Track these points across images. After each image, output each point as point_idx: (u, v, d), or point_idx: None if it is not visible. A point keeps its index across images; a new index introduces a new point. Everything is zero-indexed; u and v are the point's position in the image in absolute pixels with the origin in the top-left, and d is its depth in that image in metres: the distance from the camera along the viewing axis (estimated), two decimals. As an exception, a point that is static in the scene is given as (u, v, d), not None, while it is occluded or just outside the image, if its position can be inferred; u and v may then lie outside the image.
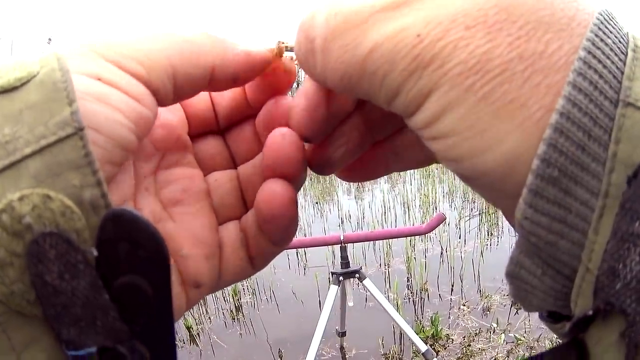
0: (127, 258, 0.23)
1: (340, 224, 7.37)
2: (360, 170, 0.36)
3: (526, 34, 0.22)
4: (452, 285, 4.84)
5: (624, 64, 0.22)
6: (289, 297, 4.94)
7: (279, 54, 0.33)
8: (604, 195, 0.21)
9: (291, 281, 5.32)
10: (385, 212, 7.58)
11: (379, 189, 9.80)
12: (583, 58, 0.21)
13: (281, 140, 0.31)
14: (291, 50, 0.32)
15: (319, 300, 4.72)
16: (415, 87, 0.23)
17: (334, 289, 2.49)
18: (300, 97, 0.31)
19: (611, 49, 0.22)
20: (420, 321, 4.14)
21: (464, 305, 4.40)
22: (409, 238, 5.57)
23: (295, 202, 0.32)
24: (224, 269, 0.33)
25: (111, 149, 0.25)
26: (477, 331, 3.92)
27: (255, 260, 0.34)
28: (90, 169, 0.23)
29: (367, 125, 0.34)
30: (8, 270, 0.21)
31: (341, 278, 2.50)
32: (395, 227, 6.78)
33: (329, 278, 5.21)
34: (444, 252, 5.65)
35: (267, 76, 0.34)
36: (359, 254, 5.65)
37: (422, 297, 4.65)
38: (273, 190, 0.31)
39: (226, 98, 0.35)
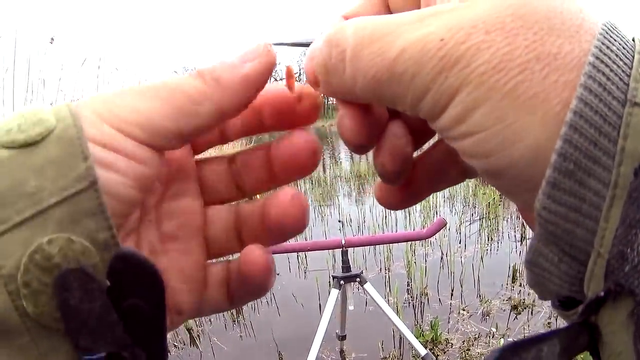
0: (131, 286, 0.28)
1: (341, 228, 7.35)
2: (408, 194, 0.37)
3: (540, 39, 0.24)
4: (452, 290, 4.85)
5: (631, 67, 0.24)
6: (289, 300, 4.95)
7: (289, 76, 0.35)
8: (613, 186, 0.23)
9: (291, 284, 5.32)
10: (385, 217, 7.58)
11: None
12: (592, 62, 0.23)
13: (290, 202, 0.34)
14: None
15: (319, 303, 4.74)
16: (443, 86, 0.25)
17: (334, 292, 2.50)
18: (342, 116, 0.32)
19: (617, 54, 0.24)
20: (420, 325, 4.14)
21: (464, 310, 4.41)
22: (409, 242, 5.58)
23: (271, 267, 0.34)
24: (205, 302, 0.37)
25: (118, 206, 0.29)
26: (477, 336, 3.94)
27: (234, 300, 0.37)
28: (103, 216, 0.27)
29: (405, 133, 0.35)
30: (40, 297, 0.26)
31: (342, 282, 2.51)
32: (396, 231, 6.79)
33: (329, 281, 5.24)
34: (444, 256, 5.66)
35: (289, 105, 0.35)
36: (360, 258, 5.66)
37: (422, 302, 4.66)
38: (254, 257, 0.34)
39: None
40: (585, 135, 0.23)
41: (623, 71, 0.24)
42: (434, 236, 2.69)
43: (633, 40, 0.26)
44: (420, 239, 2.50)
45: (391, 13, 0.33)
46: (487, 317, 4.24)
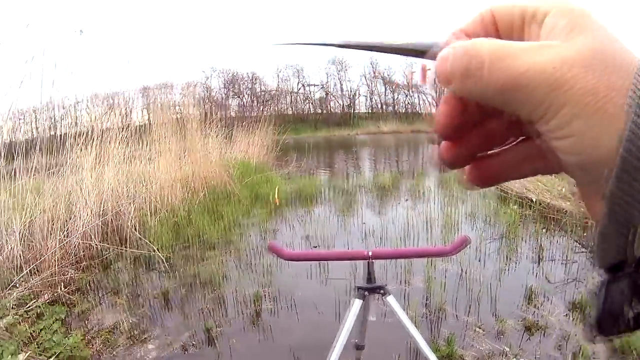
0: None
1: (364, 238, 7.44)
2: (488, 176, 0.47)
3: (613, 74, 0.33)
4: (469, 307, 4.87)
5: None
6: (308, 307, 5.00)
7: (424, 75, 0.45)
8: None
9: (312, 291, 5.38)
10: (407, 229, 7.63)
11: (402, 206, 9.83)
12: (631, 96, 0.32)
13: None
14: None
15: (337, 312, 4.79)
16: (554, 100, 0.34)
17: (358, 302, 2.49)
18: (442, 104, 0.42)
19: None
20: (435, 340, 4.18)
21: (479, 327, 4.44)
22: (429, 257, 5.62)
23: None
24: None
25: None
26: (490, 354, 3.96)
27: None
28: None
29: (487, 134, 0.45)
30: None
31: (366, 293, 2.52)
32: (418, 244, 6.82)
33: (348, 290, 5.30)
34: (463, 273, 5.70)
35: None
36: (380, 270, 5.70)
37: (439, 317, 4.70)
38: None
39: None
40: (637, 145, 0.32)
41: None
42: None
43: None
44: (444, 255, 2.51)
45: (499, 35, 0.42)
46: (502, 336, 4.27)
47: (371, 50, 0.62)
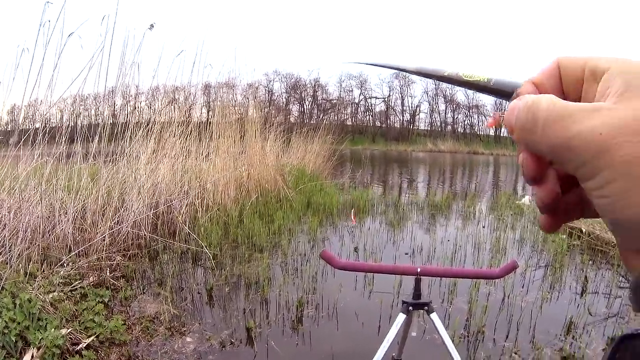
0: None
1: (411, 254, 7.44)
2: (559, 218, 0.50)
3: None
4: (508, 332, 4.84)
5: None
6: (350, 317, 5.03)
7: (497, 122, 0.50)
8: None
9: (355, 302, 5.40)
10: (456, 251, 7.62)
11: (453, 226, 9.80)
12: None
13: None
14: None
15: (379, 325, 4.81)
16: (596, 163, 0.37)
17: (401, 316, 2.54)
18: (524, 158, 0.45)
19: None
20: (472, 359, 4.20)
21: (516, 354, 4.40)
22: (474, 279, 5.62)
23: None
24: None
25: None
26: (526, 380, 3.92)
27: None
28: None
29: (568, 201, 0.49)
30: None
31: (411, 308, 2.55)
32: (464, 265, 6.80)
33: (391, 305, 5.31)
34: (506, 298, 5.65)
35: None
36: (424, 286, 5.69)
37: (477, 339, 4.68)
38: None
39: None
40: None
41: None
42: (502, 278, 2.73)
43: None
44: (491, 278, 2.50)
45: (562, 87, 0.47)
46: (538, 363, 4.22)
47: (443, 80, 0.67)
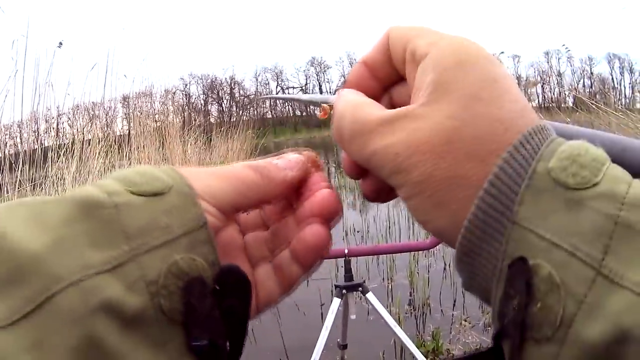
0: (231, 290, 0.38)
1: (345, 237, 7.40)
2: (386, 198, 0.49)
3: (457, 163, 0.35)
4: (454, 301, 4.88)
5: (517, 192, 0.33)
6: (291, 309, 4.96)
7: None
8: (498, 272, 0.34)
9: (293, 293, 5.25)
10: (389, 227, 7.62)
11: (385, 204, 9.86)
12: (485, 188, 0.34)
13: (328, 194, 0.47)
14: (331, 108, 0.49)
15: (321, 312, 4.76)
16: (395, 181, 0.38)
17: (336, 301, 2.49)
18: (344, 158, 0.47)
19: (510, 178, 0.34)
20: (421, 336, 4.18)
21: (465, 321, 4.43)
22: (412, 253, 5.60)
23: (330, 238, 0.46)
24: (259, 300, 0.47)
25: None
26: (478, 346, 3.92)
27: (286, 286, 0.48)
28: (211, 244, 0.38)
29: None
30: (173, 296, 0.35)
31: (344, 291, 2.50)
32: (400, 241, 6.80)
33: (331, 290, 5.26)
34: (447, 267, 5.70)
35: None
36: (363, 268, 5.67)
37: (424, 312, 4.70)
38: (318, 229, 0.45)
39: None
40: (475, 238, 0.35)
41: (513, 192, 0.34)
42: (437, 247, 2.71)
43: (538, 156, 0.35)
44: (422, 249, 2.51)
45: (392, 65, 0.45)
46: (489, 328, 4.22)
47: (293, 101, 0.89)
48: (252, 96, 74.45)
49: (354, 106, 0.43)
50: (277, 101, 76.93)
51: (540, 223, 0.32)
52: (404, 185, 0.38)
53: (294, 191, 0.49)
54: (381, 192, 0.47)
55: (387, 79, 0.47)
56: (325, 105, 0.53)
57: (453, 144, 0.35)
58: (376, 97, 0.47)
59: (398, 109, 0.39)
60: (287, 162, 0.48)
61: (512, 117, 0.36)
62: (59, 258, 0.32)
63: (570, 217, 0.31)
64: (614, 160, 0.35)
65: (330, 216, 0.47)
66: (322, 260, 0.47)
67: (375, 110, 0.41)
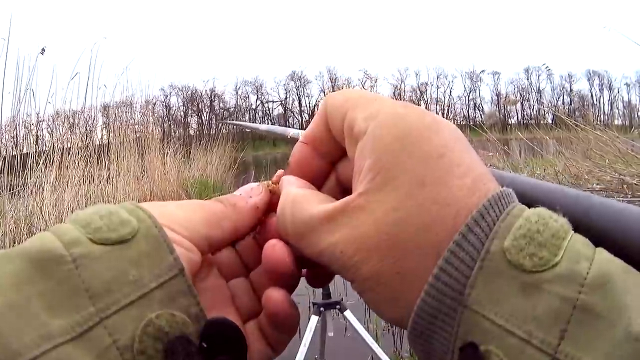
0: (221, 346, 0.35)
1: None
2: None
3: (403, 257, 0.34)
4: (432, 317, 4.82)
5: (469, 275, 0.32)
6: (269, 326, 4.88)
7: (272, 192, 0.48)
8: (450, 355, 0.32)
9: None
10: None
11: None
12: (435, 274, 0.32)
13: (272, 249, 0.42)
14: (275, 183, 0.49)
15: (299, 329, 4.68)
16: (345, 277, 0.37)
17: (314, 319, 2.49)
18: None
19: (462, 261, 0.32)
20: (399, 352, 4.16)
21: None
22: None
23: (290, 301, 0.43)
24: (250, 358, 0.43)
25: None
26: (455, 363, 3.92)
27: (275, 347, 0.45)
28: (192, 295, 0.35)
29: None
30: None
31: (322, 309, 2.51)
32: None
33: (309, 307, 5.24)
34: (425, 284, 5.64)
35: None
36: (340, 284, 5.67)
37: (401, 329, 4.62)
38: (271, 296, 0.42)
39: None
40: (425, 322, 0.33)
41: (465, 275, 0.32)
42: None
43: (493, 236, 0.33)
44: None
45: (323, 158, 0.46)
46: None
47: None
48: (232, 109, 74.29)
49: (292, 203, 0.41)
50: (257, 116, 76.52)
51: (493, 308, 0.31)
52: (354, 281, 0.37)
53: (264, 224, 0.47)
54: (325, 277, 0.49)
55: (331, 154, 0.45)
56: (267, 183, 0.50)
57: (398, 238, 0.34)
58: (323, 176, 0.47)
59: (338, 202, 0.38)
60: (247, 190, 0.47)
61: (462, 196, 0.34)
62: (13, 330, 0.28)
63: (526, 301, 0.30)
64: (577, 219, 0.34)
65: (277, 273, 0.43)
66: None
67: (314, 205, 0.39)
